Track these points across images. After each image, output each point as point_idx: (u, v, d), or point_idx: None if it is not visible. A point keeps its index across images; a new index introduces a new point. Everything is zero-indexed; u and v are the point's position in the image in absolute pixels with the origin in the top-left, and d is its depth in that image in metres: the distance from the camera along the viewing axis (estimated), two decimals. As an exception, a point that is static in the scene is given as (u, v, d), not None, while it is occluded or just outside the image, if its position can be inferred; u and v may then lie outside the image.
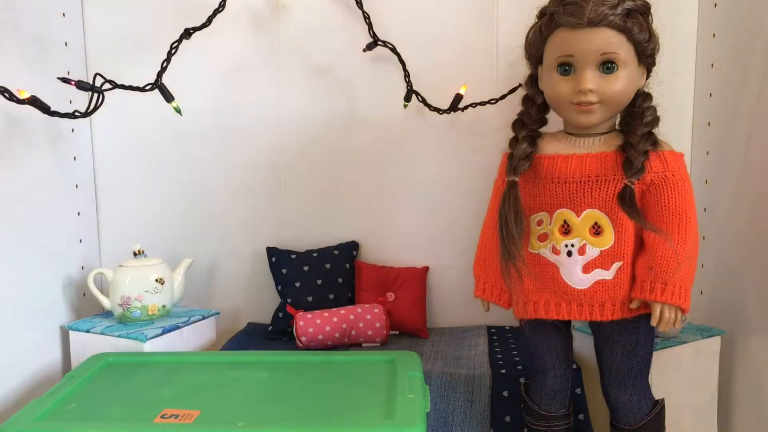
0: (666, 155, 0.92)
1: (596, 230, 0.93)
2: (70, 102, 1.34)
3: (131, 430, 0.86)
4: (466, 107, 1.33)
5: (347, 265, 1.43)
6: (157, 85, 1.14)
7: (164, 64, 1.14)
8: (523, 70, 1.02)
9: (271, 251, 1.44)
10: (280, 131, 1.45)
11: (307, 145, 1.45)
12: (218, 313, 1.40)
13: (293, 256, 1.43)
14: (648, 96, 0.96)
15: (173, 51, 1.15)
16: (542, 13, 0.95)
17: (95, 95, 1.09)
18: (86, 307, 1.40)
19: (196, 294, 1.49)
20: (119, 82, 1.13)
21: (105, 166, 1.48)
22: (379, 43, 1.32)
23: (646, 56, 0.92)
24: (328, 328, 1.28)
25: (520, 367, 1.16)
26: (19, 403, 1.17)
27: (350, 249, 1.45)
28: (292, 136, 1.45)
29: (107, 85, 1.11)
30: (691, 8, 1.32)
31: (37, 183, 1.26)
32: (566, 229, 0.95)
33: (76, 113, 1.07)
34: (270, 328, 1.39)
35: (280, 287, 1.42)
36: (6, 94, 0.99)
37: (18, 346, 1.19)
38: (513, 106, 1.07)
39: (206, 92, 1.44)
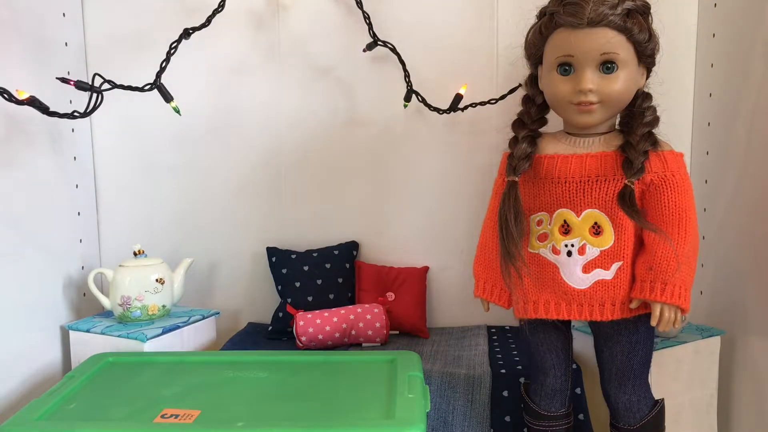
0: (666, 155, 0.92)
1: (596, 230, 0.93)
2: (71, 102, 1.34)
3: (131, 430, 0.86)
4: (466, 107, 1.33)
5: (347, 265, 1.43)
6: (156, 85, 1.14)
7: (163, 64, 1.14)
8: (523, 70, 1.02)
9: (271, 251, 1.44)
10: (280, 131, 1.45)
11: (307, 145, 1.45)
12: (218, 313, 1.40)
13: (293, 256, 1.43)
14: (648, 96, 0.96)
15: (172, 51, 1.15)
16: (542, 13, 0.95)
17: (94, 95, 1.09)
18: (86, 307, 1.40)
19: (196, 294, 1.49)
20: (119, 82, 1.13)
21: (105, 166, 1.48)
22: (379, 43, 1.32)
23: (646, 56, 0.92)
24: (328, 328, 1.28)
25: (520, 367, 1.16)
26: (19, 403, 1.17)
27: (350, 249, 1.45)
28: (292, 136, 1.45)
29: (106, 85, 1.11)
30: (691, 8, 1.32)
31: (37, 183, 1.26)
32: (566, 229, 0.95)
33: (75, 113, 1.07)
34: (270, 328, 1.39)
35: (280, 287, 1.42)
36: (5, 95, 0.99)
37: (18, 346, 1.19)
38: (513, 106, 1.07)
39: (206, 92, 1.44)
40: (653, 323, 0.90)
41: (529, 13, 0.98)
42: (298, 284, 1.40)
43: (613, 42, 0.88)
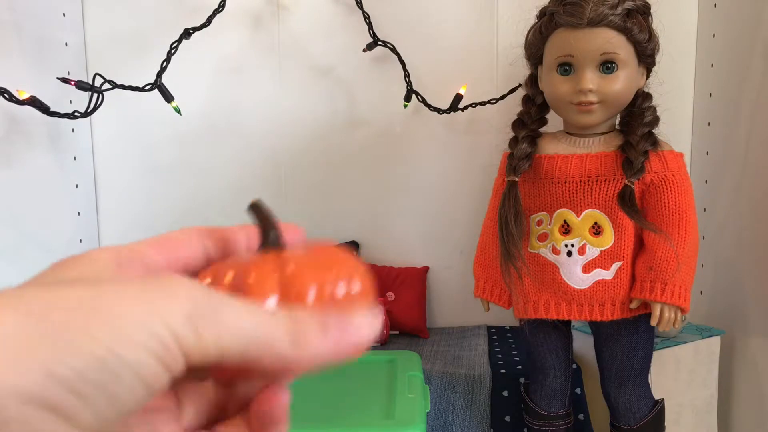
0: (666, 155, 0.92)
1: (596, 230, 0.93)
2: (71, 102, 1.34)
3: (131, 430, 0.86)
4: (466, 107, 1.33)
5: (347, 265, 1.43)
6: (157, 85, 1.14)
7: (164, 64, 1.15)
8: (523, 70, 1.02)
9: (271, 251, 1.44)
10: (280, 131, 1.45)
11: (307, 145, 1.45)
12: (218, 313, 1.39)
13: (293, 256, 1.42)
14: (648, 96, 0.96)
15: (173, 51, 1.15)
16: (542, 13, 0.95)
17: (95, 95, 1.09)
18: (86, 307, 1.40)
19: (196, 294, 1.49)
20: (119, 82, 1.13)
21: (105, 166, 1.48)
22: (379, 43, 1.32)
23: (646, 56, 0.92)
24: (328, 328, 1.28)
25: (520, 367, 1.16)
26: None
27: (350, 249, 1.45)
28: (292, 136, 1.45)
29: (107, 85, 1.11)
30: (691, 8, 1.32)
31: (37, 183, 1.26)
32: (566, 229, 0.95)
33: (76, 113, 1.08)
34: (270, 328, 1.39)
35: (280, 287, 1.42)
36: (6, 95, 0.99)
37: (18, 346, 1.19)
38: (513, 106, 1.07)
39: (206, 92, 1.44)
40: (653, 323, 0.90)
41: (529, 13, 0.98)
42: (298, 284, 1.40)
43: (613, 42, 0.88)
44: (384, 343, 1.32)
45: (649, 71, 0.95)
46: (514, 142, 0.99)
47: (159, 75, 1.14)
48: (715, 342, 1.19)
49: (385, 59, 1.37)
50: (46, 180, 1.29)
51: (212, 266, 0.26)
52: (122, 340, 0.19)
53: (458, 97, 1.32)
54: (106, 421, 0.19)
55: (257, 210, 0.27)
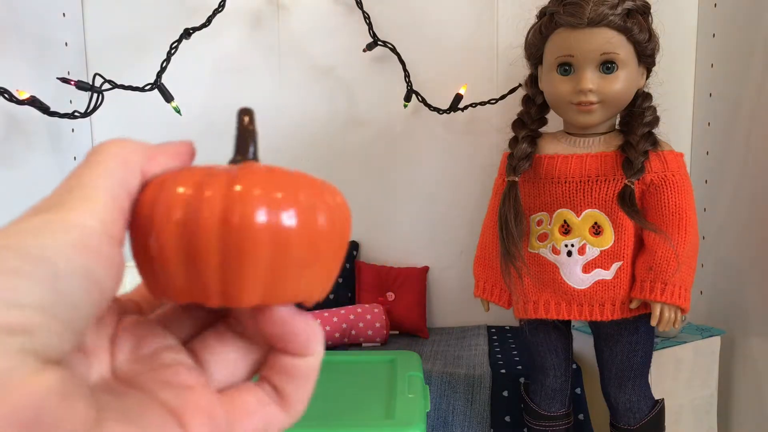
0: (666, 155, 0.92)
1: (596, 230, 0.93)
2: (71, 102, 1.34)
3: (131, 430, 0.86)
4: (466, 107, 1.33)
5: (347, 265, 1.43)
6: (157, 85, 1.14)
7: (164, 64, 1.15)
8: (523, 70, 1.02)
9: (271, 251, 1.44)
10: (280, 131, 1.45)
11: (306, 145, 1.45)
12: (218, 313, 1.39)
13: (293, 256, 1.42)
14: (648, 96, 0.96)
15: (173, 51, 1.15)
16: (542, 13, 0.95)
17: (95, 95, 1.09)
18: (86, 307, 1.40)
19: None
20: (119, 82, 1.13)
21: (105, 166, 1.48)
22: (379, 43, 1.32)
23: (646, 56, 0.92)
24: (328, 328, 1.28)
25: (520, 367, 1.16)
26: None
27: (350, 249, 1.45)
28: (292, 136, 1.45)
29: (107, 85, 1.11)
30: (691, 8, 1.32)
31: (37, 183, 1.26)
32: (566, 229, 0.95)
33: (76, 113, 1.08)
34: (270, 328, 1.39)
35: (280, 287, 1.42)
36: (6, 95, 0.99)
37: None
38: (513, 106, 1.07)
39: (206, 92, 1.44)
40: (653, 323, 0.90)
41: (529, 13, 0.98)
42: (298, 284, 1.40)
43: (613, 42, 0.88)
44: (384, 343, 1.32)
45: (649, 71, 0.95)
46: (514, 142, 0.99)
47: (159, 75, 1.14)
48: (715, 342, 1.19)
49: (385, 59, 1.37)
50: (46, 180, 1.29)
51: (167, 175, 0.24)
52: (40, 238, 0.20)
53: (458, 97, 1.32)
54: (64, 317, 0.19)
55: (245, 117, 0.24)
